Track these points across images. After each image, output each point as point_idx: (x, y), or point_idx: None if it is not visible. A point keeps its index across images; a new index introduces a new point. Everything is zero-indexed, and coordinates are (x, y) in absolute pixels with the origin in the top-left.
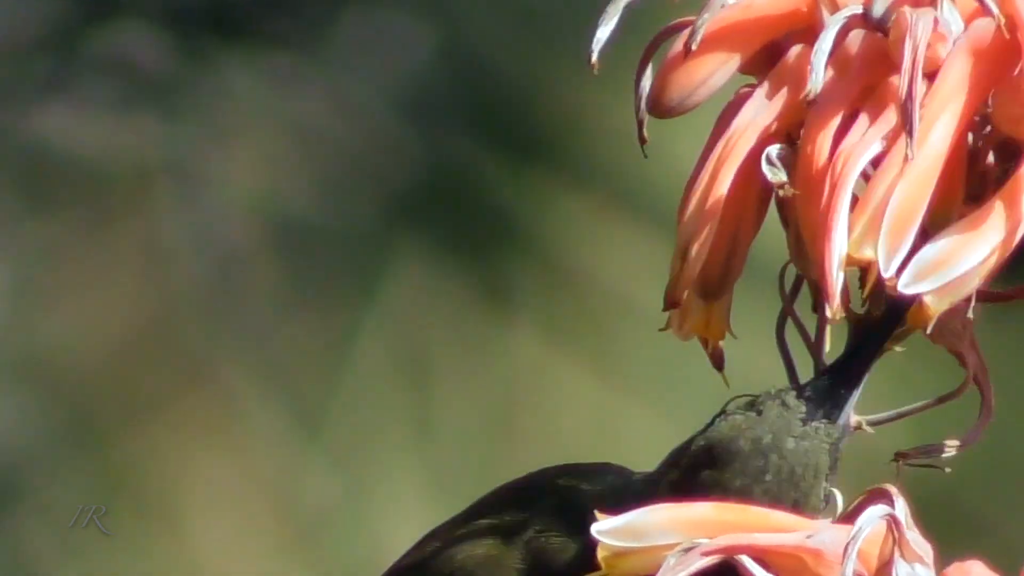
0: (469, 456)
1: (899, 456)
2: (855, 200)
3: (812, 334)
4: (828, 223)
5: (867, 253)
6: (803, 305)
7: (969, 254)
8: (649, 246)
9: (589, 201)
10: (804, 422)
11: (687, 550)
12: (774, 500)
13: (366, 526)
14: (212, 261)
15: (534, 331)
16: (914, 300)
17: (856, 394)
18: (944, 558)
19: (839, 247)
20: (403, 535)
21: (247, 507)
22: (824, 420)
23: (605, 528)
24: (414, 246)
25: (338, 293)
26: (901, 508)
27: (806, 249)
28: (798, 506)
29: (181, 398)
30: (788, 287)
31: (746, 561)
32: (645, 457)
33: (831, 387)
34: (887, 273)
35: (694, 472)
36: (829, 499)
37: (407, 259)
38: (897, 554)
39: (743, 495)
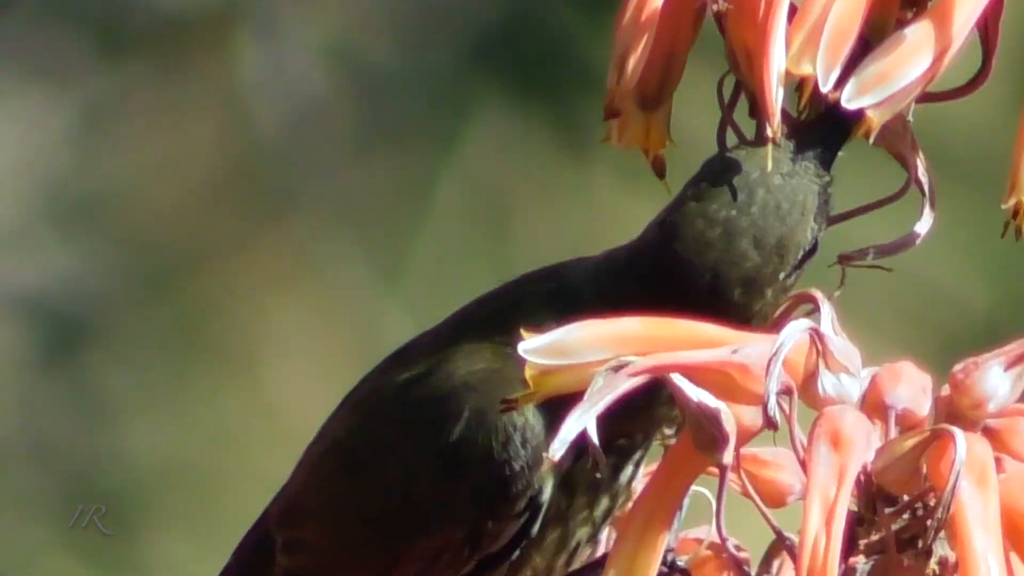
0: None
1: (842, 258)
2: (792, 10)
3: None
4: (765, 41)
5: (806, 69)
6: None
7: (910, 66)
8: (727, 86)
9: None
10: (794, 161)
11: (615, 369)
12: (760, 234)
13: None
14: (288, 106)
15: (611, 174)
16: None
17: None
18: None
19: (777, 64)
20: None
21: (323, 353)
22: (814, 162)
23: (531, 347)
24: (492, 91)
25: (416, 139)
26: (827, 315)
27: (740, 58)
28: (783, 242)
29: (256, 243)
30: (727, 95)
31: (675, 378)
32: None
33: (821, 138)
34: (826, 88)
35: (681, 207)
36: (817, 245)
37: (485, 104)
38: (822, 365)
39: (729, 228)
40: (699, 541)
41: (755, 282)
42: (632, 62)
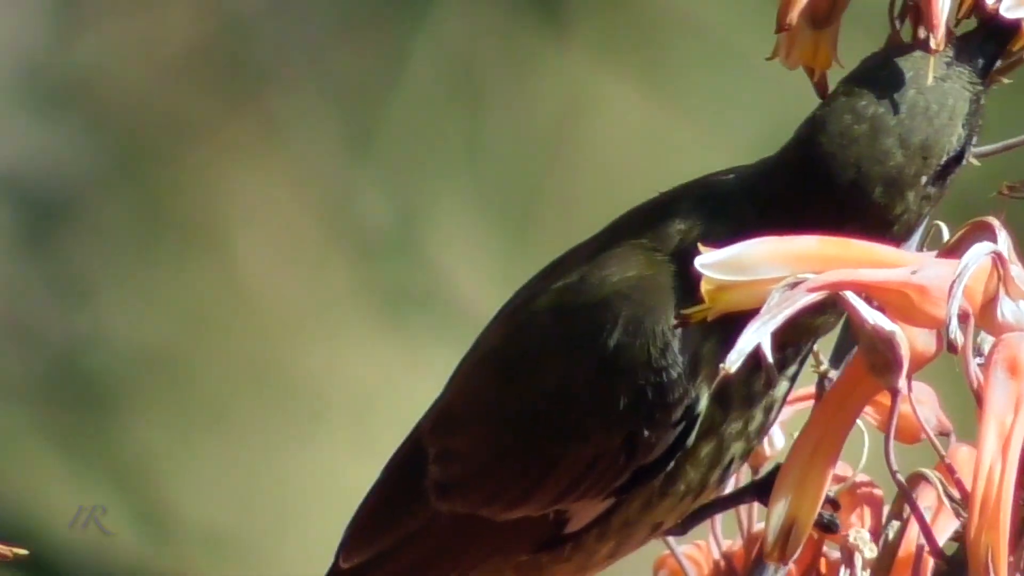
0: (519, 176)
1: (1008, 188)
2: None
3: None
4: None
5: None
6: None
7: None
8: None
9: None
10: (949, 66)
11: (792, 285)
12: (906, 133)
13: (416, 247)
14: None
15: (586, 48)
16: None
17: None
18: None
19: None
20: (453, 255)
21: (298, 228)
22: (968, 71)
23: (709, 261)
24: None
25: (389, 13)
26: (1004, 243)
27: None
28: (928, 144)
29: (229, 120)
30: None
31: (851, 297)
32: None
33: (979, 47)
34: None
35: (832, 101)
36: (964, 153)
37: None
38: (1002, 291)
39: (876, 125)
40: (840, 478)
41: (896, 182)
42: None
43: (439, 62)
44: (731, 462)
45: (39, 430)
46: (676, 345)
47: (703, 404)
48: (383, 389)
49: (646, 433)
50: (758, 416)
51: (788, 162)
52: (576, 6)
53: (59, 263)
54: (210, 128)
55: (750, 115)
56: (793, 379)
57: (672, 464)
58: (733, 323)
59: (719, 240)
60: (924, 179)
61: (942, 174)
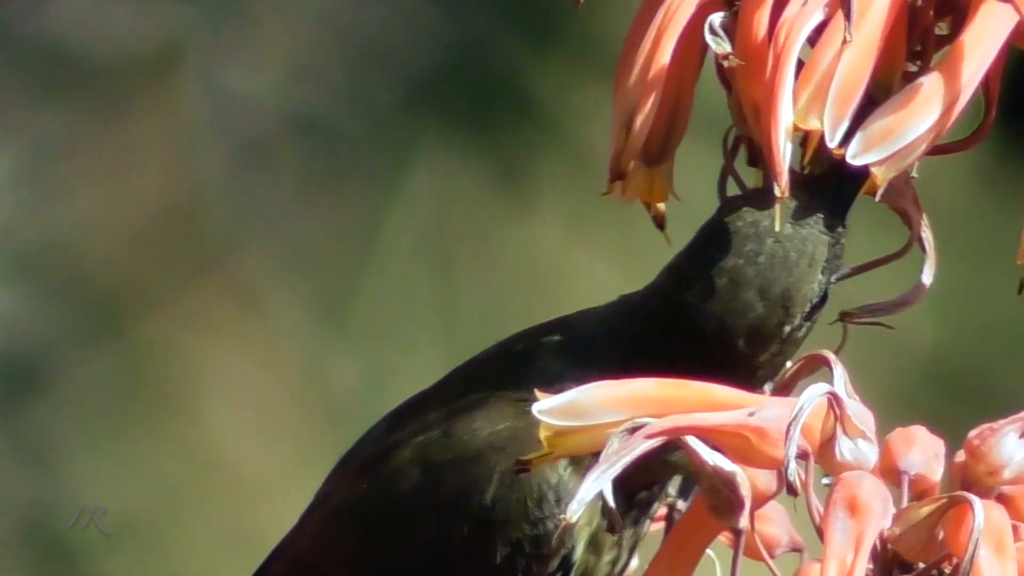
0: (491, 342)
1: (843, 315)
2: (800, 65)
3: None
4: (773, 98)
5: (813, 124)
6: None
7: (915, 123)
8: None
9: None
10: (805, 210)
11: (632, 431)
12: (766, 284)
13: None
14: (232, 149)
15: (556, 217)
16: (862, 169)
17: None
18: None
19: (785, 120)
20: None
21: (269, 395)
22: (825, 214)
23: (546, 407)
24: (436, 133)
25: (360, 180)
26: (840, 378)
27: (748, 113)
28: (789, 294)
29: (201, 287)
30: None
31: (691, 441)
32: None
33: (834, 191)
34: (833, 144)
35: (690, 253)
36: (826, 297)
37: (429, 146)
38: (839, 430)
39: (735, 277)
40: None
41: (760, 333)
42: (639, 121)
43: (409, 230)
44: None
45: None
46: (552, 496)
47: (579, 551)
48: None
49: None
50: (623, 556)
51: (652, 309)
52: (547, 177)
53: (28, 429)
54: (181, 295)
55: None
56: (652, 516)
57: None
58: None
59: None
60: (788, 327)
61: (806, 318)
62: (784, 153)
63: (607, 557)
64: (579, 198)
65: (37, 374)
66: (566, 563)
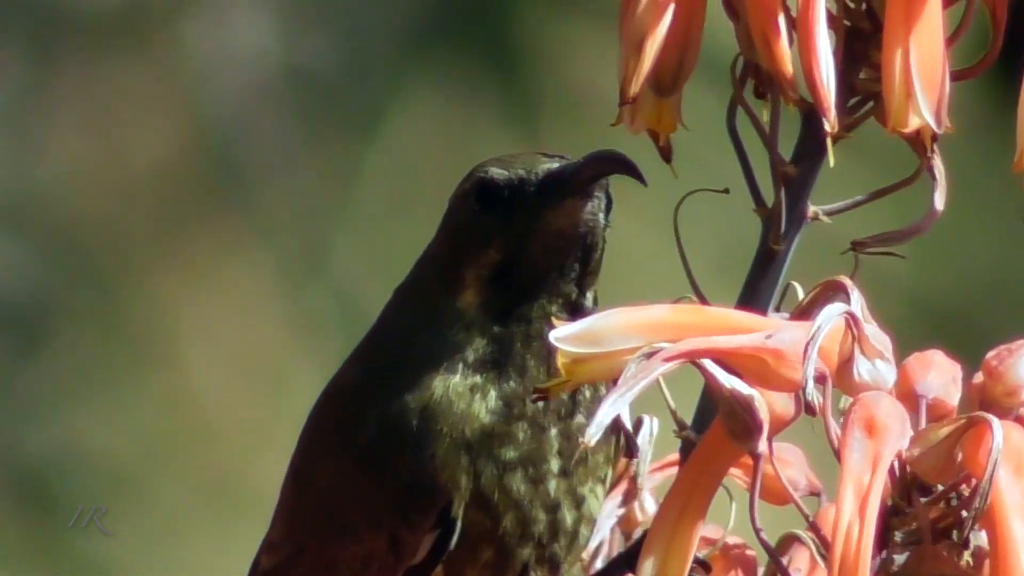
0: None
1: (855, 245)
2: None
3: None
4: (811, 40)
5: (916, 123)
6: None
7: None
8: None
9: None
10: None
11: (648, 355)
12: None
13: None
14: (214, 103)
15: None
16: None
17: None
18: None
19: (825, 57)
20: None
21: (251, 341)
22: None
23: (563, 335)
24: (424, 77)
25: (336, 133)
26: (857, 302)
27: (757, 41)
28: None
29: (184, 236)
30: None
31: (708, 364)
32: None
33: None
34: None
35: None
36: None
37: (416, 92)
38: (857, 351)
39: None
40: (710, 541)
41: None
42: (648, 48)
43: (388, 175)
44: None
45: None
46: (427, 449)
47: (458, 508)
48: None
49: (406, 534)
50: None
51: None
52: (528, 114)
53: (11, 379)
54: (166, 246)
55: (700, 216)
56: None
57: (440, 567)
58: None
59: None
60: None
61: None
62: (829, 88)
63: (538, 513)
64: (563, 130)
65: (21, 324)
66: (446, 519)
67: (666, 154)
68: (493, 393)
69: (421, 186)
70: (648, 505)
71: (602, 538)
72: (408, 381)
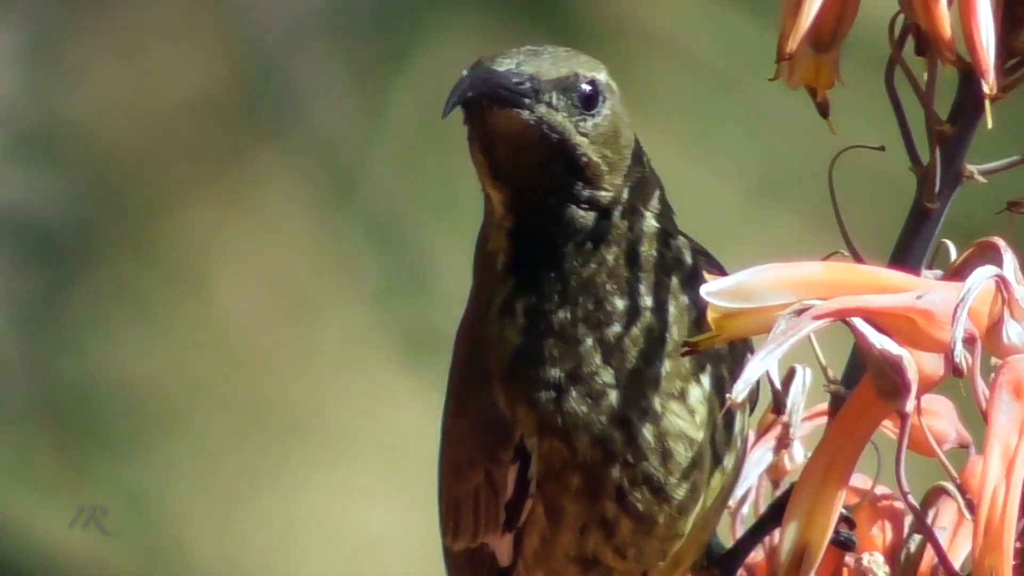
0: None
1: (1011, 204)
2: None
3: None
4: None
5: None
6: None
7: None
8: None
9: None
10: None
11: (798, 312)
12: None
13: (399, 291)
14: (242, 37)
15: None
16: None
17: None
18: None
19: (985, 16)
20: (432, 299)
21: (282, 271)
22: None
23: (715, 289)
24: (452, 12)
25: (365, 63)
26: (1009, 264)
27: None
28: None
29: (215, 167)
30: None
31: (858, 323)
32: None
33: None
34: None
35: None
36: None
37: (442, 26)
38: (1007, 314)
39: None
40: (858, 492)
41: None
42: (807, 5)
43: (421, 105)
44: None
45: (21, 462)
46: (488, 383)
47: (529, 439)
48: (370, 427)
49: (495, 470)
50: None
51: None
52: (563, 44)
53: (42, 308)
54: (199, 175)
55: (744, 141)
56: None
57: (529, 500)
58: None
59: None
60: None
61: None
62: (988, 49)
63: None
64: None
65: (55, 254)
66: (522, 454)
67: (824, 110)
68: (519, 310)
69: (453, 116)
70: (797, 455)
71: (749, 486)
72: (473, 314)
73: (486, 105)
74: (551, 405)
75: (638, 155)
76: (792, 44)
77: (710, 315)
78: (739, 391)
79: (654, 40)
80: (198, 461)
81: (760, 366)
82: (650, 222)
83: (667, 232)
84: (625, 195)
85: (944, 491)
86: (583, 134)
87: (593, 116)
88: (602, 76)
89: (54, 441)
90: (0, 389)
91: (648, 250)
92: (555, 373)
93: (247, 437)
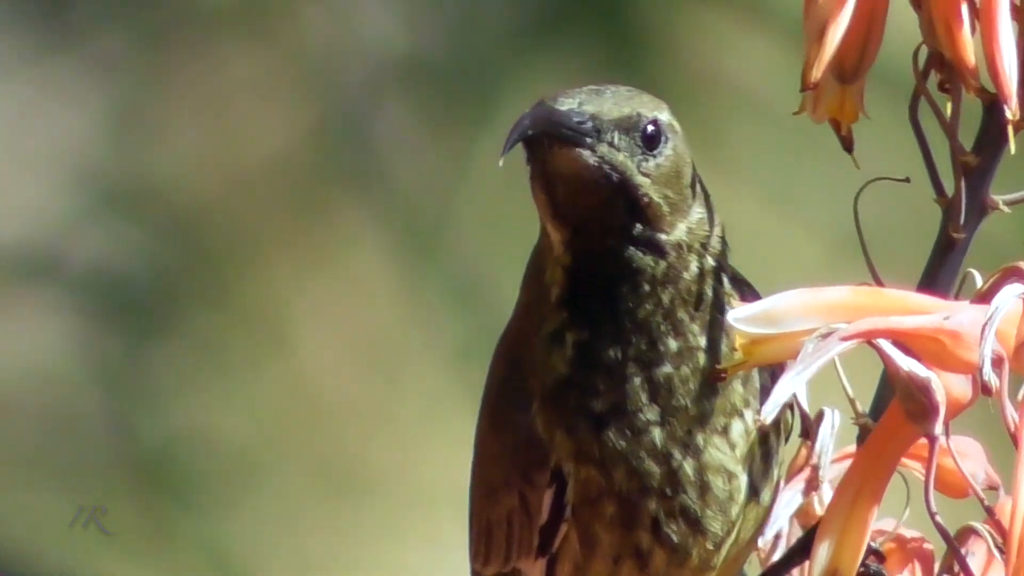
0: None
1: None
2: None
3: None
4: (994, 28)
5: None
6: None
7: None
8: (780, 52)
9: (720, 6)
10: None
11: (825, 335)
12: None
13: (480, 347)
14: (324, 92)
15: None
16: None
17: None
18: None
19: (1007, 46)
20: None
21: (364, 329)
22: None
23: (742, 315)
24: (543, 63)
25: (449, 121)
26: None
27: (939, 30)
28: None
29: (300, 225)
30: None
31: (885, 344)
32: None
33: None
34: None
35: None
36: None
37: (525, 78)
38: None
39: None
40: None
41: None
42: (831, 34)
43: (505, 161)
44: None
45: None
46: (528, 405)
47: (567, 464)
48: (451, 482)
49: (530, 493)
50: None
51: None
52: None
53: (127, 365)
54: (283, 232)
55: (815, 189)
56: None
57: (565, 525)
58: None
59: None
60: None
61: None
62: (1011, 77)
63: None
64: (699, 129)
65: (140, 310)
66: (559, 477)
67: (848, 144)
68: (570, 341)
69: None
70: (827, 497)
71: (779, 529)
72: (516, 335)
73: (547, 144)
74: (589, 434)
75: (698, 192)
76: (817, 72)
77: (738, 341)
78: (768, 412)
79: (739, 94)
80: (280, 517)
81: (788, 387)
82: (708, 261)
83: (722, 268)
84: (684, 234)
85: (974, 531)
86: (645, 174)
87: (655, 156)
88: (664, 116)
89: (136, 498)
90: (82, 446)
91: (704, 289)
92: (597, 405)
93: (329, 493)
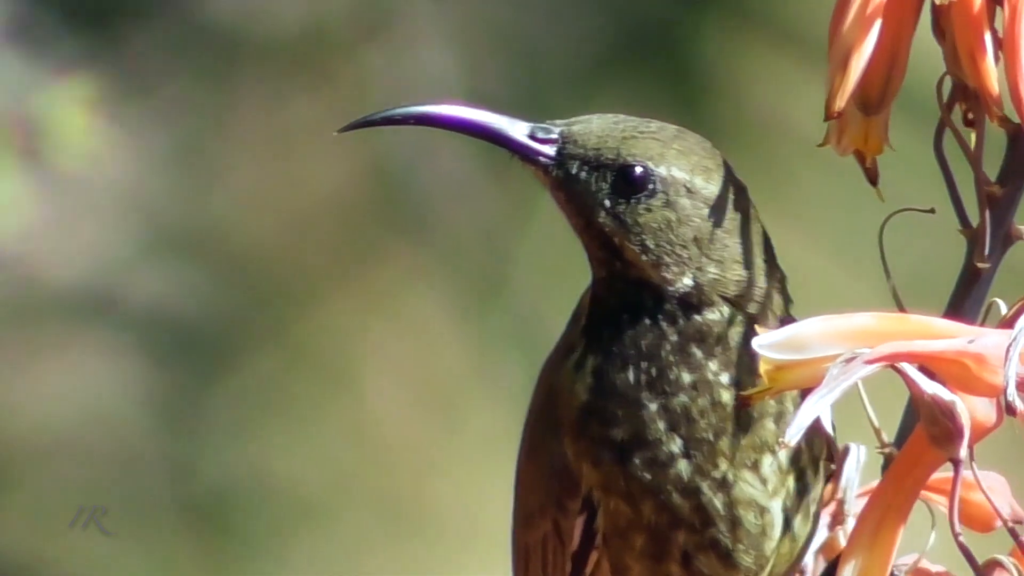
0: None
1: None
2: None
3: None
4: (1018, 58)
5: None
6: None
7: None
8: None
9: (785, 52)
10: None
11: (849, 360)
12: None
13: None
14: (388, 134)
15: None
16: None
17: None
18: None
19: None
20: None
21: (428, 374)
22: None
23: (766, 342)
24: (603, 104)
25: (517, 161)
26: None
27: (963, 59)
28: None
29: (362, 267)
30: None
31: (909, 368)
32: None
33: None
34: None
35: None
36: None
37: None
38: None
39: None
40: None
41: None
42: (854, 63)
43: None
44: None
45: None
46: (558, 434)
47: (597, 494)
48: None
49: (562, 520)
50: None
51: None
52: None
53: (190, 408)
54: (345, 274)
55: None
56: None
57: (595, 552)
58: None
59: None
60: None
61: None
62: None
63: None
64: (761, 174)
65: (201, 352)
66: (589, 505)
67: (872, 176)
68: (589, 367)
69: None
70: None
71: (804, 564)
72: (553, 363)
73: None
74: (615, 467)
75: (729, 249)
76: (840, 101)
77: (762, 367)
78: (792, 435)
79: (802, 141)
80: (341, 560)
81: (812, 410)
82: (738, 314)
83: (756, 320)
84: (689, 286)
85: (999, 564)
86: (615, 216)
87: (632, 202)
88: (661, 169)
89: (196, 541)
90: (141, 488)
91: (729, 333)
92: (618, 434)
93: (390, 535)
